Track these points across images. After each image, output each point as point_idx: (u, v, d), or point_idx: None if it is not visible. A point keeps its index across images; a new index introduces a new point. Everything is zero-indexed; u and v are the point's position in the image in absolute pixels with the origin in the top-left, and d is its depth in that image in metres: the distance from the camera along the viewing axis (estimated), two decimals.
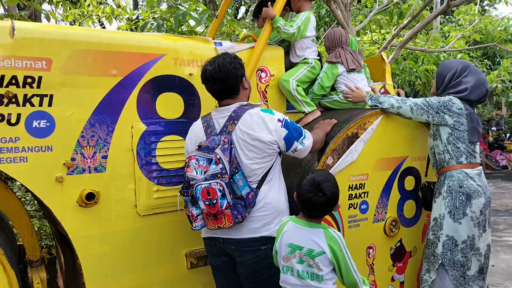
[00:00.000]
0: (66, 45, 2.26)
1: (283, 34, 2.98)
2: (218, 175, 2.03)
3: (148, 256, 2.53)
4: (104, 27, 9.98)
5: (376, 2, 8.02)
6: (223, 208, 2.02)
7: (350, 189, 2.70)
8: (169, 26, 5.30)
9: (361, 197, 2.76)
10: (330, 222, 2.62)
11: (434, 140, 2.80)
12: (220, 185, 2.01)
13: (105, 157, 2.38)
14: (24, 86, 2.16)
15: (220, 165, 2.04)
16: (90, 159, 2.34)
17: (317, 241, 1.96)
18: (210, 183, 2.02)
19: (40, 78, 2.19)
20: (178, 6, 5.57)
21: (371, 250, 2.80)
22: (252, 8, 16.86)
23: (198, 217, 2.13)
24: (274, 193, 2.22)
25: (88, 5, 6.50)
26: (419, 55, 8.98)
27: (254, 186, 2.16)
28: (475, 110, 2.83)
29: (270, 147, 2.16)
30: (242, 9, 19.94)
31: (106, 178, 2.38)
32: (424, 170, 3.00)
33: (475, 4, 9.64)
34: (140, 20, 6.20)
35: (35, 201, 4.41)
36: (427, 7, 8.47)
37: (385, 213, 2.86)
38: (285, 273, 2.03)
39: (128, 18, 6.08)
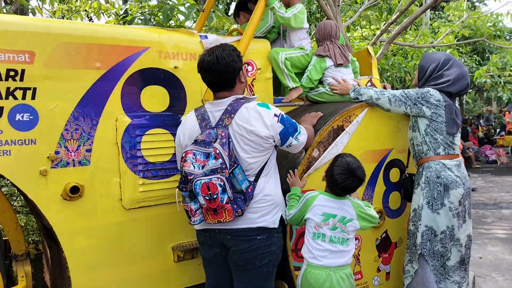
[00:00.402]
0: (49, 38, 2.24)
1: (279, 18, 3.02)
2: (218, 170, 2.01)
3: (135, 249, 2.53)
4: (91, 20, 9.90)
5: None
6: (224, 203, 2.02)
7: None
8: (157, 20, 5.28)
9: None
10: None
11: (413, 131, 2.83)
12: (220, 180, 2.00)
13: (89, 150, 2.37)
14: (7, 79, 2.15)
15: (220, 160, 2.02)
16: (74, 152, 2.33)
17: (348, 209, 2.34)
18: (211, 178, 2.00)
19: (23, 71, 2.18)
20: (166, 1, 5.55)
21: (356, 241, 2.83)
22: None
23: (197, 211, 2.11)
24: (271, 186, 2.24)
25: (76, 0, 6.45)
26: (409, 51, 9.04)
27: (252, 179, 2.16)
28: (455, 102, 2.85)
29: (267, 141, 2.16)
30: (234, 5, 19.90)
31: (90, 172, 2.38)
32: (406, 161, 3.03)
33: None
34: (129, 15, 6.18)
35: (22, 196, 4.39)
36: (416, 3, 8.54)
37: (371, 204, 2.88)
38: (315, 239, 2.30)
39: (116, 13, 6.04)
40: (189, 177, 2.05)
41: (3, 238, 2.89)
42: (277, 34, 3.59)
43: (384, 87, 3.35)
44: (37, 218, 2.93)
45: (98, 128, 2.39)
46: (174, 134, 2.58)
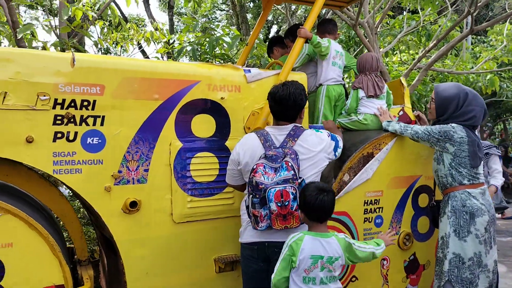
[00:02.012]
0: (117, 73, 2.63)
1: (322, 49, 3.45)
2: (290, 180, 2.30)
3: (181, 259, 2.83)
4: (142, 49, 10.55)
5: (404, 23, 8.22)
6: (293, 209, 2.29)
7: (366, 204, 2.94)
8: (203, 49, 5.71)
9: (376, 212, 2.99)
10: (347, 234, 2.86)
11: (438, 164, 2.98)
12: (293, 189, 2.29)
13: (146, 170, 2.72)
14: (81, 108, 2.54)
15: (292, 172, 2.32)
16: (134, 171, 2.68)
17: (335, 248, 2.28)
18: (285, 186, 2.28)
19: (94, 101, 2.57)
20: (212, 31, 5.97)
21: (385, 262, 3.01)
22: (284, 27, 17.29)
23: (265, 217, 2.36)
24: None
25: (129, 28, 7.01)
26: (448, 76, 9.06)
27: None
28: (476, 133, 2.98)
29: (324, 162, 2.51)
30: (274, 28, 20.45)
31: (147, 189, 2.72)
32: (433, 188, 3.20)
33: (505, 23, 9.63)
34: (177, 44, 6.66)
35: (81, 209, 4.82)
36: (457, 28, 8.59)
37: (399, 227, 3.07)
38: (306, 283, 2.24)
39: (166, 41, 6.53)
40: (260, 186, 2.34)
41: (67, 246, 3.27)
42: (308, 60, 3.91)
43: (418, 116, 3.55)
44: (96, 229, 3.30)
45: (155, 151, 2.74)
46: (219, 157, 2.91)
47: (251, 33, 4.88)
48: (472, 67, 8.99)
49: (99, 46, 4.80)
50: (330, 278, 2.27)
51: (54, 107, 2.47)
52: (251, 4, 17.31)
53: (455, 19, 8.72)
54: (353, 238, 2.88)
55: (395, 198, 3.06)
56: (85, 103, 2.55)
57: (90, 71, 2.56)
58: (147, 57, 11.32)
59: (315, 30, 3.94)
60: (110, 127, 2.61)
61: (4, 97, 2.35)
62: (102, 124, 2.60)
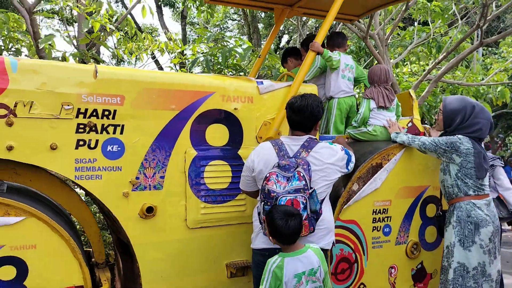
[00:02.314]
0: (136, 84, 2.76)
1: (334, 62, 3.59)
2: (301, 190, 2.40)
3: (194, 264, 2.93)
4: (156, 59, 10.72)
5: (415, 35, 8.30)
6: (303, 219, 2.37)
7: (374, 213, 3.02)
8: (216, 60, 5.85)
9: (384, 221, 3.07)
10: (355, 242, 2.95)
11: (444, 174, 3.05)
12: (304, 199, 2.39)
13: (162, 177, 2.84)
14: (102, 117, 2.67)
15: (303, 182, 2.41)
16: (151, 178, 2.80)
17: (312, 260, 2.31)
18: (296, 196, 2.38)
19: (115, 111, 2.70)
20: (224, 42, 6.12)
21: (393, 270, 3.08)
22: (295, 37, 17.46)
23: None
24: (328, 212, 2.60)
25: (144, 38, 7.20)
26: (458, 88, 9.09)
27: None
28: (481, 145, 3.05)
29: (336, 175, 2.59)
30: (285, 38, 20.64)
31: (162, 195, 2.83)
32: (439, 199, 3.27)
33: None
34: (189, 54, 6.82)
35: (97, 213, 4.95)
36: (468, 39, 8.64)
37: (407, 236, 3.15)
38: None
39: (181, 52, 6.69)
40: (271, 194, 2.43)
41: (85, 249, 3.39)
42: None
43: (426, 128, 3.64)
44: (112, 233, 3.42)
45: (171, 159, 2.85)
46: (232, 165, 3.01)
47: (262, 42, 5.01)
48: (483, 79, 9.02)
49: (116, 56, 4.96)
50: None
51: (77, 116, 2.60)
52: (263, 14, 17.53)
53: (466, 31, 8.78)
54: (362, 246, 2.96)
55: (403, 208, 3.13)
56: (106, 113, 2.68)
57: (111, 82, 2.70)
58: (161, 67, 11.56)
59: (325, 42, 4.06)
60: (129, 135, 2.74)
61: (31, 106, 2.49)
62: (121, 132, 2.72)
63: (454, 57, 7.97)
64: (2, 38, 4.86)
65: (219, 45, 6.08)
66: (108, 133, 2.69)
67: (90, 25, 4.14)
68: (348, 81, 3.79)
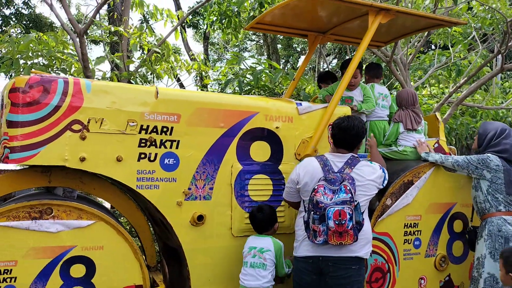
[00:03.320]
0: (191, 104, 3.06)
1: (366, 113, 3.87)
2: (348, 202, 2.65)
3: (238, 269, 3.15)
4: (180, 82, 11.09)
5: (435, 59, 8.56)
6: (349, 228, 2.62)
7: (406, 226, 3.25)
8: (248, 82, 6.19)
9: (415, 234, 3.29)
10: (388, 253, 3.17)
11: (476, 191, 3.28)
12: (350, 210, 2.64)
13: (211, 188, 3.11)
14: (161, 133, 2.97)
15: (350, 195, 2.67)
16: (201, 189, 3.08)
17: (266, 243, 3.01)
18: (343, 207, 2.63)
19: (172, 128, 3.00)
20: (255, 64, 6.46)
21: (422, 281, 3.28)
22: (313, 58, 17.85)
23: (323, 233, 2.68)
24: (368, 224, 2.84)
25: (178, 62, 7.58)
26: (478, 111, 9.28)
27: None
28: None
29: (375, 191, 2.85)
30: (302, 58, 21.07)
31: (211, 205, 3.10)
32: (470, 215, 3.48)
33: None
34: (218, 75, 7.19)
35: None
36: (487, 64, 8.85)
37: (436, 250, 3.35)
38: (245, 267, 2.97)
39: (203, 71, 7.00)
40: (320, 205, 2.68)
41: None
42: None
43: (451, 150, 3.88)
44: (159, 240, 3.69)
45: (219, 172, 3.13)
46: (273, 179, 3.29)
47: (281, 62, 5.30)
48: (502, 102, 9.20)
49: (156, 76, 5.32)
50: (260, 264, 2.96)
51: (140, 132, 2.91)
52: (281, 36, 18.01)
53: (486, 55, 9.01)
54: (394, 257, 3.18)
55: (432, 223, 3.35)
56: (165, 129, 2.98)
57: (170, 102, 3.01)
58: (183, 87, 11.98)
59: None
60: (183, 150, 3.03)
61: (102, 123, 2.80)
62: (177, 147, 3.02)
63: (474, 81, 8.19)
64: (50, 57, 5.26)
65: (250, 67, 6.42)
66: (165, 147, 2.99)
67: (139, 49, 4.50)
68: (382, 108, 4.04)
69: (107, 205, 5.64)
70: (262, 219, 3.06)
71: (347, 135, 2.90)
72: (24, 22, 13.03)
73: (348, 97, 3.97)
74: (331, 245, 2.68)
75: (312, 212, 2.71)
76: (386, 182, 2.95)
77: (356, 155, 2.95)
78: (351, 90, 3.96)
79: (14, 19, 13.16)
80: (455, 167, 3.30)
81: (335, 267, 2.73)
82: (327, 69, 12.45)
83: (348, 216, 2.61)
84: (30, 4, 13.58)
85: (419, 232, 3.29)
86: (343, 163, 2.87)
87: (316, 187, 2.75)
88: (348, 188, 2.67)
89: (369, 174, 2.83)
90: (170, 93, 3.08)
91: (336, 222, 2.61)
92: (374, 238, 3.12)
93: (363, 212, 2.79)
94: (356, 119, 2.95)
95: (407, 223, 3.25)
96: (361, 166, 2.85)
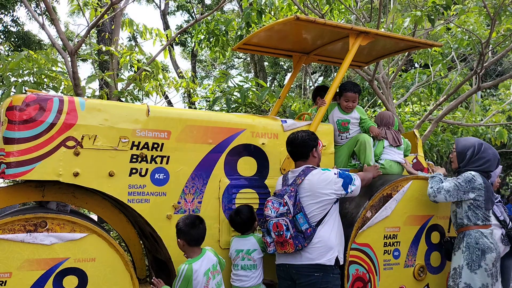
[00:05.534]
0: (181, 121, 3.21)
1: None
2: (284, 214, 2.89)
3: (227, 281, 3.28)
4: (168, 99, 11.22)
5: (416, 77, 8.86)
6: (287, 238, 2.87)
7: (385, 238, 3.40)
8: (235, 100, 6.36)
9: (394, 245, 3.44)
10: (369, 264, 3.31)
11: (456, 206, 3.45)
12: (285, 221, 2.87)
13: (200, 202, 3.24)
14: (152, 149, 3.11)
15: (286, 207, 2.91)
16: (190, 203, 3.21)
17: (250, 243, 3.15)
18: (278, 219, 2.89)
19: (162, 144, 3.14)
20: (242, 82, 6.65)
21: None
22: (299, 75, 18.19)
23: (271, 244, 2.97)
24: (325, 232, 2.98)
25: (166, 79, 7.74)
26: (458, 127, 9.58)
27: (314, 224, 2.94)
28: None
29: (329, 197, 2.99)
30: (288, 75, 21.40)
31: None
32: (447, 227, 3.66)
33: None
34: (205, 93, 7.36)
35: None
36: (468, 82, 9.17)
37: (414, 260, 3.51)
38: (236, 269, 3.12)
39: (190, 88, 7.17)
40: (266, 218, 2.98)
41: None
42: None
43: (429, 164, 4.08)
44: (148, 253, 3.78)
45: (207, 186, 3.27)
46: (259, 193, 3.43)
47: (267, 79, 5.50)
48: (482, 119, 9.51)
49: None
50: (250, 266, 3.12)
51: (131, 148, 3.04)
52: None
53: (465, 73, 9.34)
54: (375, 267, 3.32)
55: (411, 234, 3.51)
56: (155, 145, 3.12)
57: (161, 119, 3.15)
58: (171, 104, 12.12)
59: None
60: (173, 165, 3.17)
61: (95, 139, 2.93)
62: (167, 162, 3.15)
63: (454, 99, 8.49)
64: (41, 75, 5.37)
65: (237, 85, 6.61)
66: (156, 163, 3.12)
67: (129, 67, 4.65)
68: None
69: (94, 217, 5.72)
70: (242, 221, 3.20)
71: (294, 146, 3.17)
72: (13, 40, 13.12)
73: (345, 120, 4.09)
74: (293, 253, 2.92)
75: (262, 226, 2.98)
76: (353, 187, 3.07)
77: (311, 165, 3.13)
78: (348, 113, 4.10)
79: (2, 36, 13.24)
80: (447, 199, 3.35)
81: (298, 275, 2.95)
82: (313, 87, 12.70)
83: (284, 227, 2.86)
84: (18, 22, 13.69)
85: (398, 243, 3.45)
86: (296, 175, 3.08)
87: (266, 202, 3.02)
88: (285, 201, 2.91)
89: (318, 183, 3.00)
90: (160, 110, 3.23)
91: (276, 234, 2.90)
92: (355, 249, 3.28)
93: (320, 220, 2.95)
94: (303, 131, 3.19)
95: (387, 235, 3.40)
96: (312, 175, 3.04)
